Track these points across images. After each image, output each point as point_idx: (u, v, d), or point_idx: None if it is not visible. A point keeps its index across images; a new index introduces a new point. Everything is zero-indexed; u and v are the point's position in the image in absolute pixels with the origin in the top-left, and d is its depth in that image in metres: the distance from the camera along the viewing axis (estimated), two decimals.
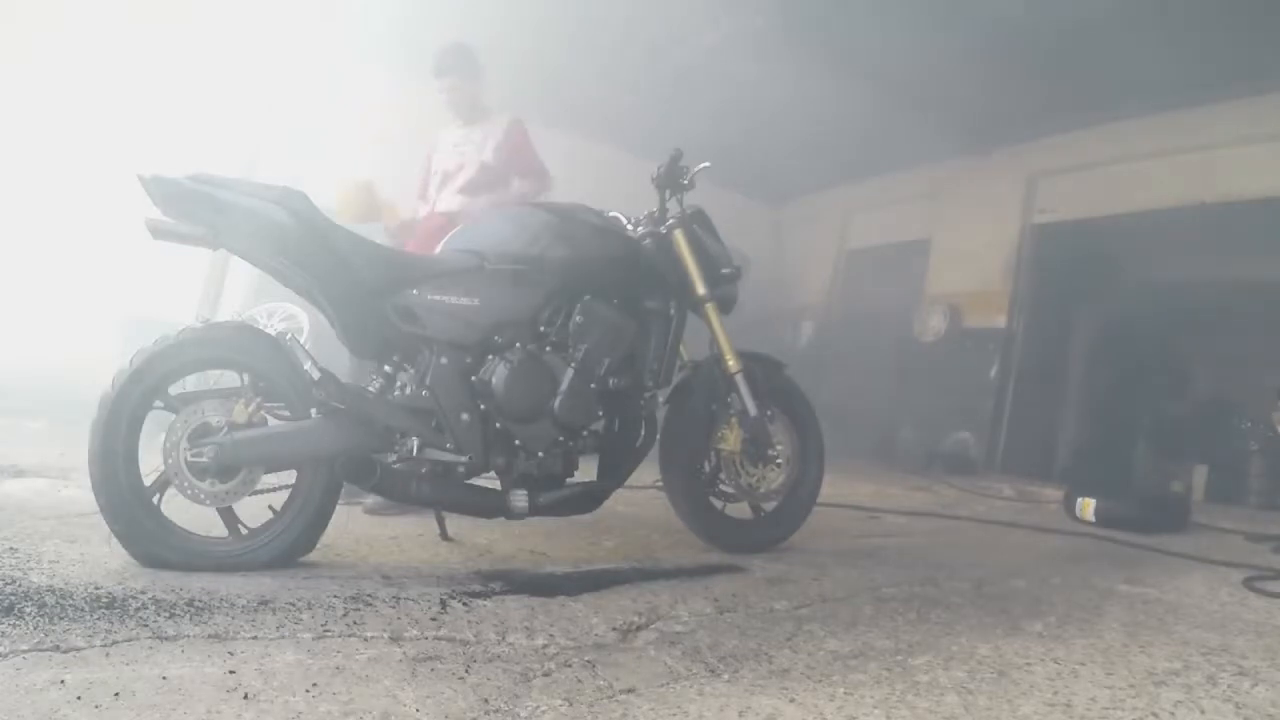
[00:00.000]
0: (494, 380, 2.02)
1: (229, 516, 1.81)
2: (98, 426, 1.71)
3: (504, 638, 1.48)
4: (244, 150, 5.09)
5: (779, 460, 2.56)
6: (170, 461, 1.74)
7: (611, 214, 2.43)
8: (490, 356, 2.05)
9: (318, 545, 1.90)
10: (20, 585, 1.46)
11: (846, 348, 7.88)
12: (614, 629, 1.60)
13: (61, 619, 1.32)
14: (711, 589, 1.99)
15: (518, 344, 2.08)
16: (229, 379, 1.96)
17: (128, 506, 1.70)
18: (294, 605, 1.53)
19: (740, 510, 2.59)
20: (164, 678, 1.14)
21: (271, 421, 1.85)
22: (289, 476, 1.88)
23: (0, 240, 5.08)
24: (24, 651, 1.18)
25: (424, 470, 2.00)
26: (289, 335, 1.94)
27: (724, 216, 2.77)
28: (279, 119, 5.42)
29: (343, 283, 1.89)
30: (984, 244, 6.89)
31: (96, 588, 1.50)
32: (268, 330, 2.07)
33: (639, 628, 1.62)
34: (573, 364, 2.13)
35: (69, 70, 5.32)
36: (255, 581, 1.67)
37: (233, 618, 1.42)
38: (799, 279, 8.90)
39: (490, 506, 2.04)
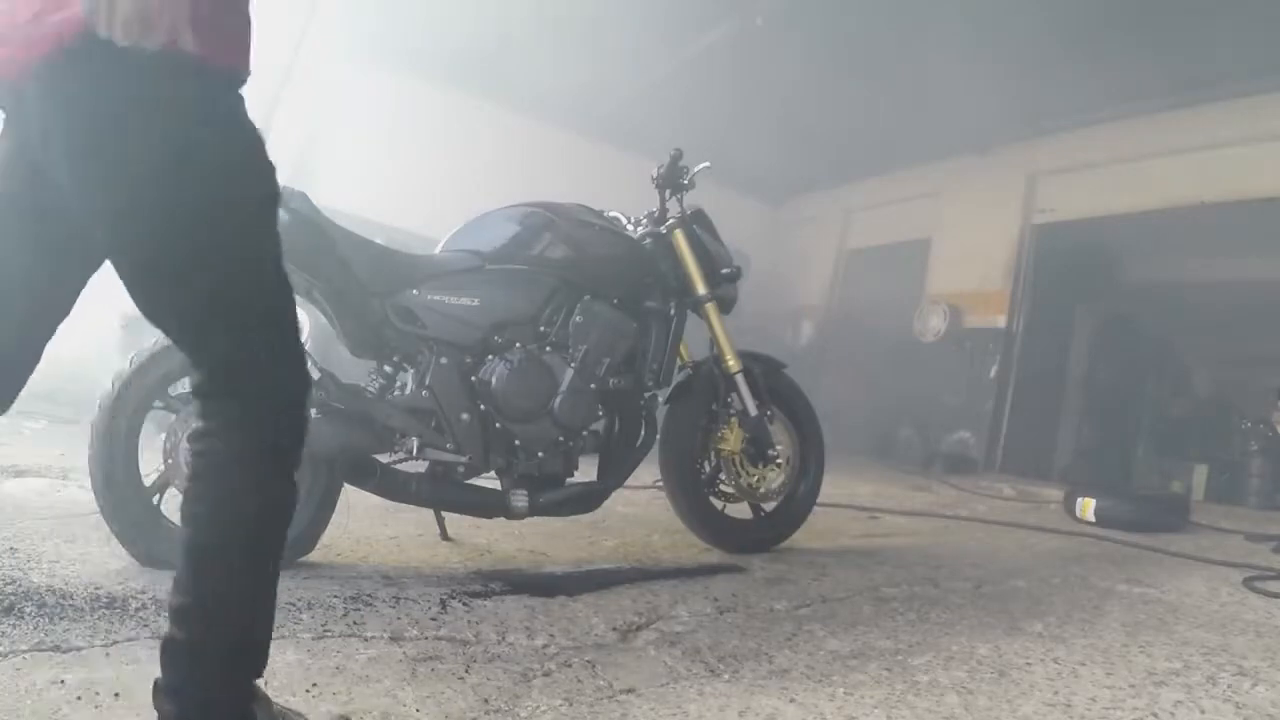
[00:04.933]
0: (494, 380, 2.02)
1: None
2: (98, 427, 1.71)
3: (504, 638, 1.48)
4: None
5: (779, 460, 2.56)
6: (170, 461, 1.74)
7: (611, 214, 2.43)
8: (490, 356, 2.05)
9: (318, 545, 1.90)
10: (20, 585, 1.46)
11: (846, 348, 7.87)
12: (614, 629, 1.60)
13: (61, 619, 1.33)
14: (711, 589, 1.99)
15: (518, 344, 2.07)
16: None
17: (128, 506, 1.70)
18: (294, 605, 1.53)
19: (740, 510, 2.59)
20: None
21: None
22: None
23: None
24: (24, 651, 1.18)
25: (424, 470, 2.00)
26: None
27: (724, 216, 2.77)
28: (276, 119, 5.42)
29: (342, 282, 1.89)
30: (984, 244, 6.88)
31: (96, 588, 1.50)
32: None
33: (639, 628, 1.62)
34: (573, 364, 2.13)
35: None
36: None
37: None
38: (799, 279, 8.90)
39: (490, 506, 2.04)
